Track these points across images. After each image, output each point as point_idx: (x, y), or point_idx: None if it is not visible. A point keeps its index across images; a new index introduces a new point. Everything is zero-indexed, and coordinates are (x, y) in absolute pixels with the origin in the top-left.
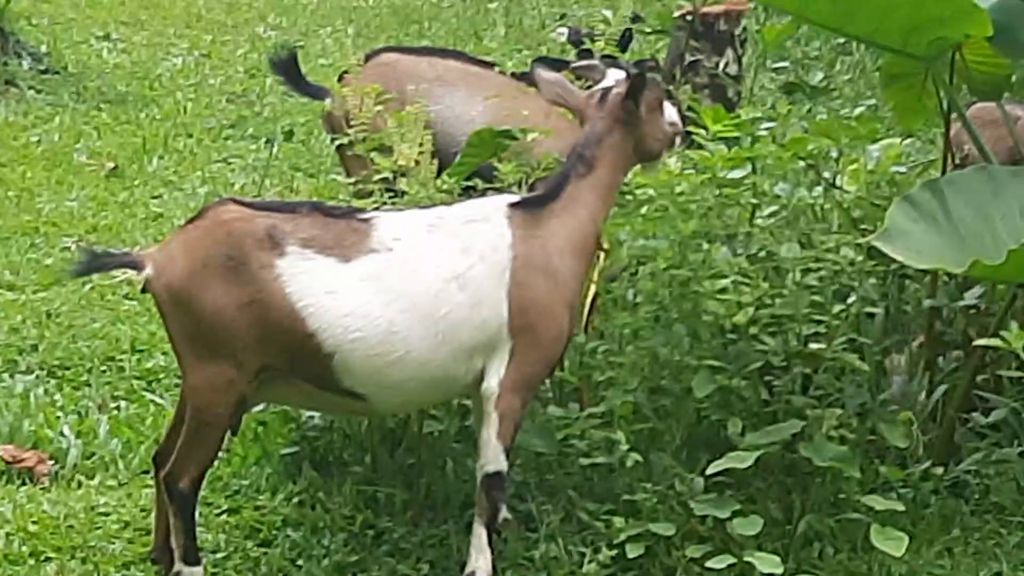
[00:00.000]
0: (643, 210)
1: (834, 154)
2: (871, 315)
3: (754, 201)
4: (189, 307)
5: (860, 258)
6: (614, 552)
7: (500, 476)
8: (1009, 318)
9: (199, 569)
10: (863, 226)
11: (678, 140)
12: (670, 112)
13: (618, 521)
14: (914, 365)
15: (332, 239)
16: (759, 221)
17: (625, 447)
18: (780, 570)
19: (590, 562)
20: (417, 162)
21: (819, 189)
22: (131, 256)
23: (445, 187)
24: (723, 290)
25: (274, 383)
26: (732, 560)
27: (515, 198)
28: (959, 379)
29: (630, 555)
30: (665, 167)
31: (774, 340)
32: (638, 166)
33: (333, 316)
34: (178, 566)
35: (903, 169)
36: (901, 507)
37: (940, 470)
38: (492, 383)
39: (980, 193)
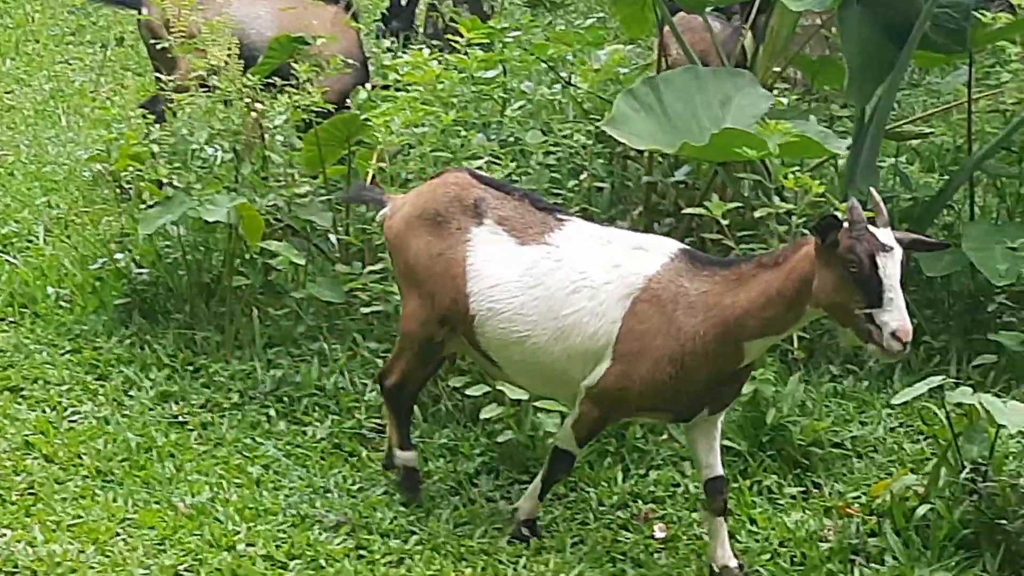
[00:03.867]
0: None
1: (570, 57)
2: (600, 189)
3: (504, 96)
4: (400, 247)
5: (591, 142)
6: None
7: (567, 455)
8: (712, 191)
9: (410, 454)
10: (593, 116)
11: (882, 343)
12: (887, 313)
13: None
14: (635, 230)
15: (522, 224)
16: (508, 112)
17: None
18: (526, 396)
19: (371, 391)
20: (226, 63)
21: (557, 86)
22: (383, 196)
23: (250, 84)
24: (479, 168)
25: (454, 335)
26: (487, 389)
27: (690, 249)
28: None
29: None
30: (429, 69)
31: None
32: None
33: (483, 284)
34: (395, 452)
35: (626, 70)
36: None
37: None
38: (583, 385)
39: (688, 89)
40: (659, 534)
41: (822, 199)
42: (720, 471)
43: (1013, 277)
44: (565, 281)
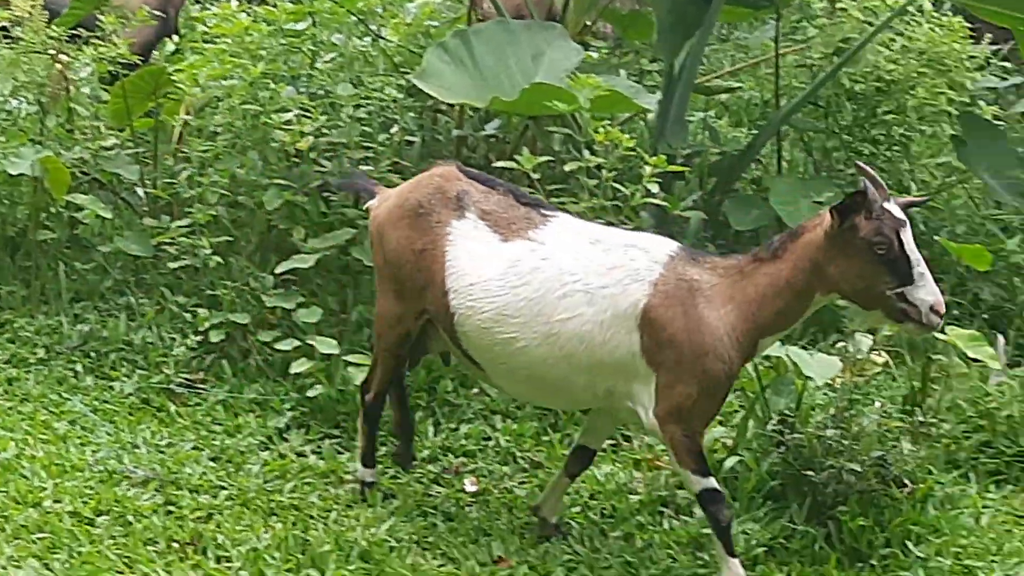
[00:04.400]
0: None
1: (380, 10)
2: (410, 142)
3: (313, 48)
4: (381, 239)
5: (402, 96)
6: (200, 337)
7: (707, 491)
8: (522, 145)
9: (370, 472)
10: (403, 69)
11: (921, 320)
12: (920, 289)
13: (203, 312)
14: None
15: (505, 219)
16: (318, 65)
17: (208, 251)
18: (337, 351)
19: (180, 346)
20: (30, 13)
21: (368, 39)
22: (374, 187)
23: (55, 35)
24: (288, 122)
25: (437, 332)
26: (297, 343)
27: (683, 244)
28: None
29: (213, 340)
30: (237, 21)
31: (331, 163)
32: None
33: (464, 281)
34: (356, 466)
35: (436, 23)
36: None
37: None
38: (648, 414)
39: (499, 42)
40: (470, 488)
41: (632, 153)
42: (598, 448)
43: None
44: (555, 282)
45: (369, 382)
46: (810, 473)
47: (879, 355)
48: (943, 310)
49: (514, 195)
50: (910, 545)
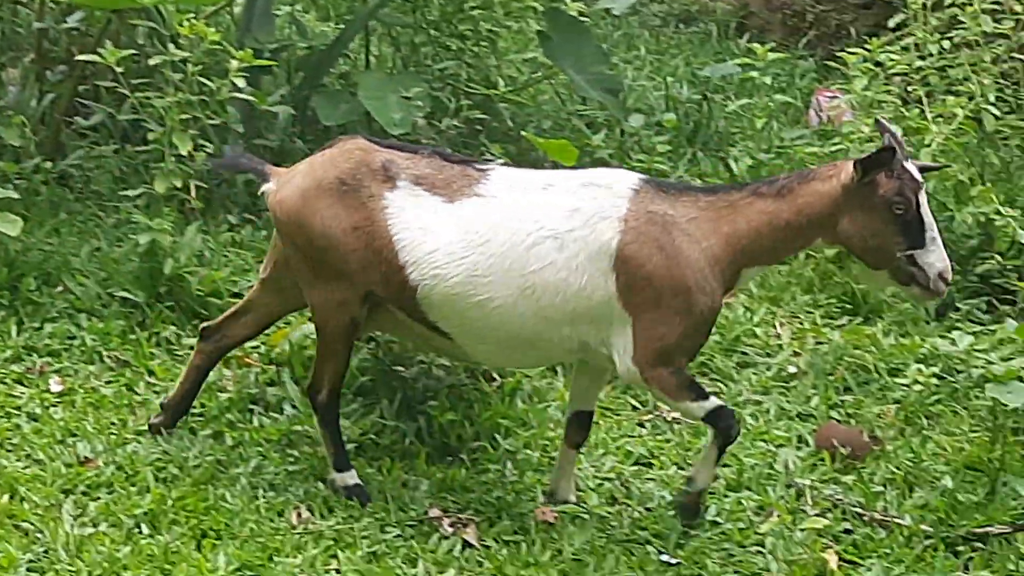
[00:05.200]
0: None
1: None
2: None
3: None
4: (300, 224)
5: None
6: None
7: (715, 410)
8: (106, 39)
9: (349, 474)
10: None
11: (927, 285)
12: (931, 254)
13: None
14: (26, 77)
15: (443, 180)
16: None
17: None
18: None
19: None
20: None
21: None
22: (264, 168)
23: None
24: None
25: (380, 311)
26: None
27: (650, 177)
28: (64, 89)
29: None
30: None
31: None
32: (863, 268)
33: (422, 251)
34: (331, 473)
35: None
36: (16, 196)
37: (49, 164)
38: (625, 361)
39: None
40: (55, 387)
41: (218, 47)
42: (593, 408)
43: (407, 126)
44: (520, 234)
45: (317, 382)
46: (400, 368)
47: None
48: (950, 277)
49: (440, 156)
50: (499, 438)
